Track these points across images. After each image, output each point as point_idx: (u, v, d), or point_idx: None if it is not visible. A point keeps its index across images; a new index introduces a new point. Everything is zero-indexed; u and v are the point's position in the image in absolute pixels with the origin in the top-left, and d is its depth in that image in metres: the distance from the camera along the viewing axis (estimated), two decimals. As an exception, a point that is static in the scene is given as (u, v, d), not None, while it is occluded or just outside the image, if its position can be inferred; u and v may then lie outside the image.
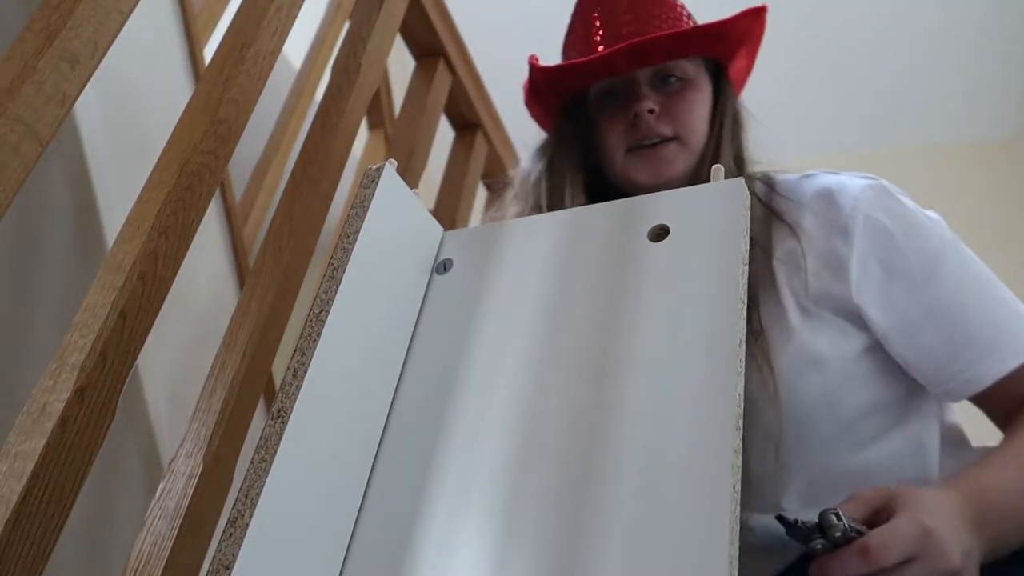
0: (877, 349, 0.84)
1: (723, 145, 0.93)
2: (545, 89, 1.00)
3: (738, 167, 0.94)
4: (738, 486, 0.42)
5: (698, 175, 0.93)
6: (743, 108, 0.99)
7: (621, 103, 0.94)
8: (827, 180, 0.89)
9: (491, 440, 0.49)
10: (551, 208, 0.94)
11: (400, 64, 2.43)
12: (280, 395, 0.45)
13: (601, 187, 0.98)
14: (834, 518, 0.61)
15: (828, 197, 0.87)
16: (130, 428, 1.23)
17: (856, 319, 0.84)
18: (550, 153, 0.99)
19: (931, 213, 0.88)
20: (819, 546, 0.62)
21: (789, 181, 0.92)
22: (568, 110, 0.99)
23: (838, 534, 0.61)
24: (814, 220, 0.86)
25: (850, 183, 0.87)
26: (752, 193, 0.91)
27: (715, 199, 0.53)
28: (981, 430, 0.87)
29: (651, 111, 0.91)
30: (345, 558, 0.47)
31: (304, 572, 0.45)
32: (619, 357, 0.49)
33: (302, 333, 0.48)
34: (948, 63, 2.95)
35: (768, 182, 0.92)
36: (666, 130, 0.91)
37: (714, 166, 0.56)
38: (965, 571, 0.64)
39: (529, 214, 0.96)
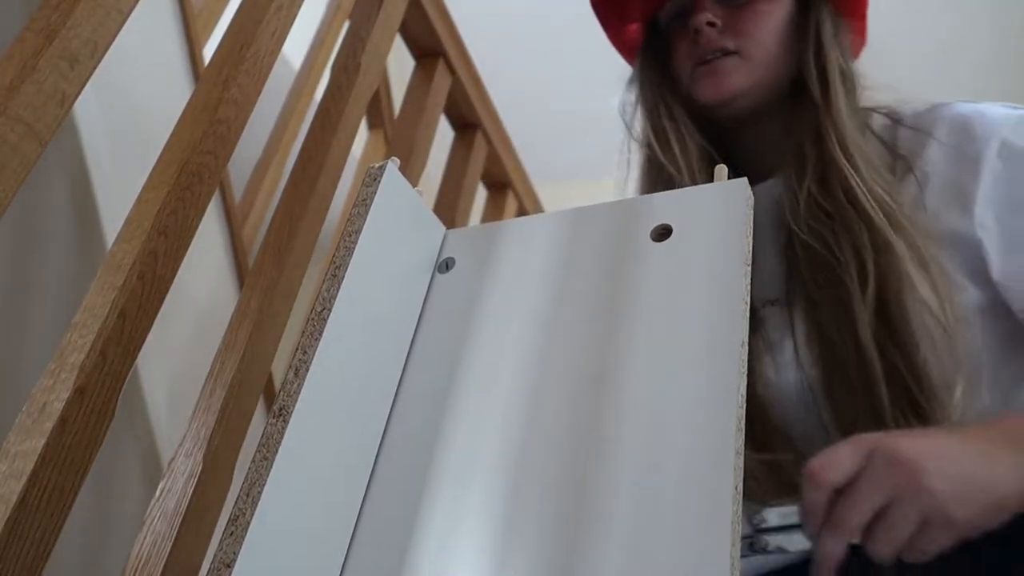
0: (991, 313, 0.74)
1: (816, 53, 0.82)
2: (608, 17, 0.94)
3: (843, 83, 0.82)
4: (740, 487, 0.42)
5: (770, 92, 0.84)
6: (844, 27, 0.86)
7: (685, 21, 0.87)
8: (962, 108, 0.79)
9: (492, 438, 0.49)
10: (657, 144, 0.88)
11: (400, 64, 2.43)
12: (282, 393, 0.45)
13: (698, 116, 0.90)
14: (759, 519, 0.57)
15: (961, 125, 0.77)
16: (130, 428, 1.23)
17: (976, 267, 0.74)
18: (636, 87, 0.93)
19: None
20: (768, 546, 0.57)
21: (917, 112, 0.82)
22: (646, 40, 0.94)
23: (763, 526, 0.56)
24: (940, 152, 0.77)
25: (990, 110, 0.78)
26: (872, 133, 0.83)
27: (717, 198, 0.53)
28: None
29: (710, 24, 0.83)
30: (347, 555, 0.47)
31: (305, 570, 0.45)
32: (621, 357, 0.49)
33: (304, 331, 0.48)
34: (959, 56, 2.96)
35: (893, 116, 0.83)
36: (727, 43, 0.83)
37: (717, 166, 0.55)
38: (955, 503, 0.54)
39: (641, 153, 0.92)
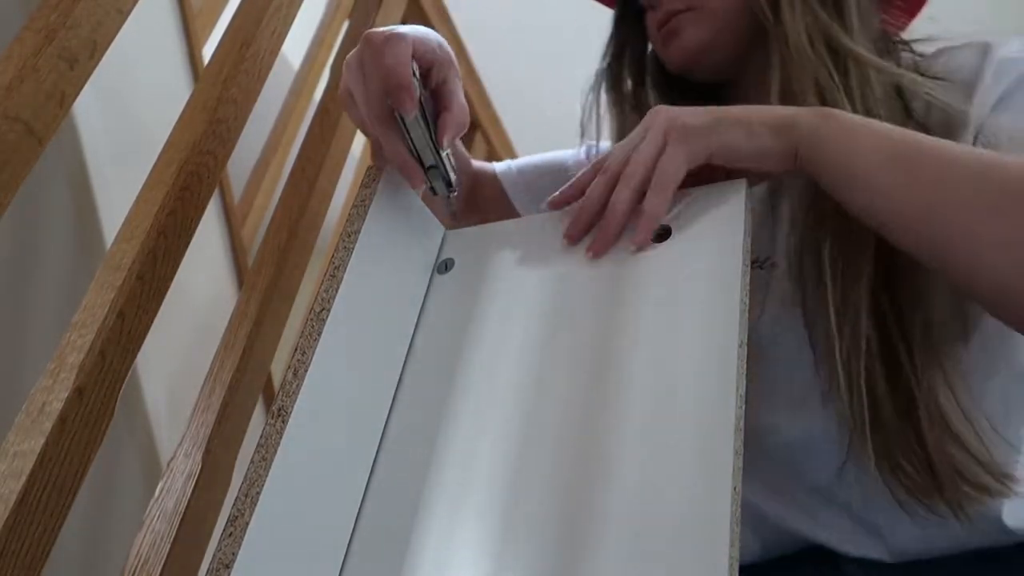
0: None
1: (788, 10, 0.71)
2: None
3: (828, 47, 0.71)
4: (739, 487, 0.42)
5: (744, 37, 0.77)
6: None
7: None
8: (979, 39, 0.70)
9: (491, 439, 0.49)
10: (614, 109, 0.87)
11: (399, 64, 2.42)
12: (281, 394, 0.45)
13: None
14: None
15: (964, 54, 0.68)
16: (129, 428, 1.23)
17: None
18: (609, 72, 0.89)
19: None
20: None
21: (938, 50, 0.72)
22: (619, 17, 0.90)
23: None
24: (940, 87, 0.66)
25: (1009, 41, 0.68)
26: (898, 86, 0.70)
27: (715, 199, 0.53)
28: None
29: None
30: (345, 556, 0.47)
31: (304, 570, 0.45)
32: (620, 357, 0.49)
33: (302, 332, 0.48)
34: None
35: (914, 56, 0.74)
36: (677, 4, 0.78)
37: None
38: (690, 115, 0.55)
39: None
